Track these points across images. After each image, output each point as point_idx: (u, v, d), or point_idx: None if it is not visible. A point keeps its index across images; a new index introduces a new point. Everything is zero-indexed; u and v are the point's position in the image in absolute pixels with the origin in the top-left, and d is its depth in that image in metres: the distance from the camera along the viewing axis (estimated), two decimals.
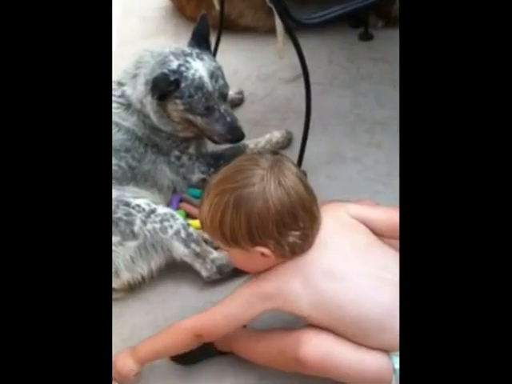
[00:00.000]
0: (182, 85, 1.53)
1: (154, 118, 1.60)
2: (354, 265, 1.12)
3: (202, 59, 1.58)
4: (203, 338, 1.20)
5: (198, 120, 1.59)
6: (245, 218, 1.07)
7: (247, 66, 2.30)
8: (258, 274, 1.16)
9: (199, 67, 1.56)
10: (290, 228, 1.08)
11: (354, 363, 1.11)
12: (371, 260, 1.14)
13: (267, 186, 1.07)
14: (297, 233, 1.09)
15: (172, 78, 1.52)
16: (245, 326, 1.28)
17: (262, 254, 1.10)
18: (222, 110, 1.59)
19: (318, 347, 1.11)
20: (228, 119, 1.60)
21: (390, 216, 1.18)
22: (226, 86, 1.62)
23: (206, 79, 1.55)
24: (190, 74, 1.54)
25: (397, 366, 1.10)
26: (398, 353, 1.10)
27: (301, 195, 1.09)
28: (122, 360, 1.22)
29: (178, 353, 1.27)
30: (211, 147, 1.78)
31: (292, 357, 1.12)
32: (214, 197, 1.10)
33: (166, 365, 1.33)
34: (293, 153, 1.73)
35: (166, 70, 1.53)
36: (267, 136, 1.83)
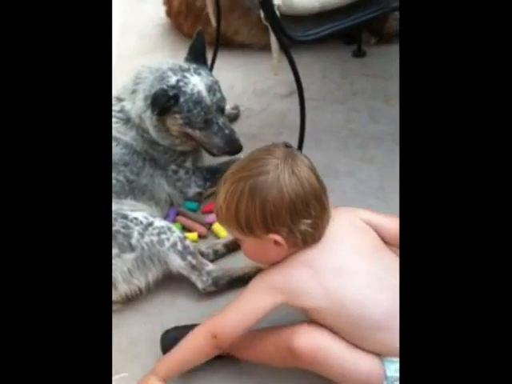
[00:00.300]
0: (181, 100, 1.56)
1: (152, 132, 1.62)
2: (360, 264, 1.15)
3: (199, 74, 1.61)
4: (219, 341, 1.17)
5: (197, 133, 1.61)
6: (260, 206, 1.10)
7: (243, 82, 2.33)
8: (270, 266, 1.19)
9: (197, 82, 1.58)
10: (303, 216, 1.11)
11: (347, 362, 1.12)
12: (377, 263, 1.16)
13: (281, 175, 1.10)
14: (308, 221, 1.12)
15: (171, 94, 1.54)
16: None
17: (275, 243, 1.13)
18: (220, 123, 1.62)
19: (312, 340, 1.13)
20: (226, 132, 1.62)
21: (397, 225, 1.18)
22: (223, 99, 1.64)
23: (204, 93, 1.58)
24: (188, 88, 1.56)
25: (388, 372, 1.12)
26: (390, 358, 1.12)
27: (313, 186, 1.12)
28: (145, 382, 1.19)
29: (199, 363, 1.23)
30: (207, 161, 1.80)
31: (286, 348, 1.14)
32: (230, 185, 1.13)
33: None
34: None
35: (164, 86, 1.55)
36: None
